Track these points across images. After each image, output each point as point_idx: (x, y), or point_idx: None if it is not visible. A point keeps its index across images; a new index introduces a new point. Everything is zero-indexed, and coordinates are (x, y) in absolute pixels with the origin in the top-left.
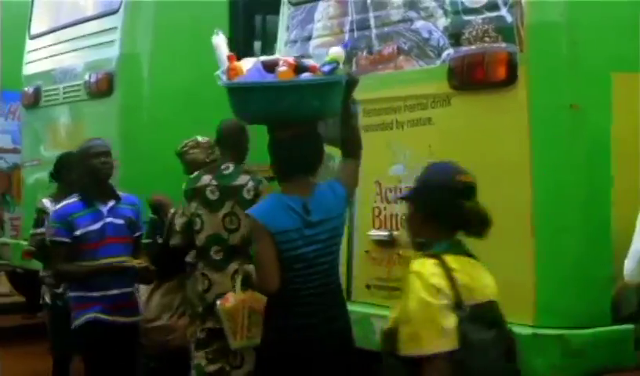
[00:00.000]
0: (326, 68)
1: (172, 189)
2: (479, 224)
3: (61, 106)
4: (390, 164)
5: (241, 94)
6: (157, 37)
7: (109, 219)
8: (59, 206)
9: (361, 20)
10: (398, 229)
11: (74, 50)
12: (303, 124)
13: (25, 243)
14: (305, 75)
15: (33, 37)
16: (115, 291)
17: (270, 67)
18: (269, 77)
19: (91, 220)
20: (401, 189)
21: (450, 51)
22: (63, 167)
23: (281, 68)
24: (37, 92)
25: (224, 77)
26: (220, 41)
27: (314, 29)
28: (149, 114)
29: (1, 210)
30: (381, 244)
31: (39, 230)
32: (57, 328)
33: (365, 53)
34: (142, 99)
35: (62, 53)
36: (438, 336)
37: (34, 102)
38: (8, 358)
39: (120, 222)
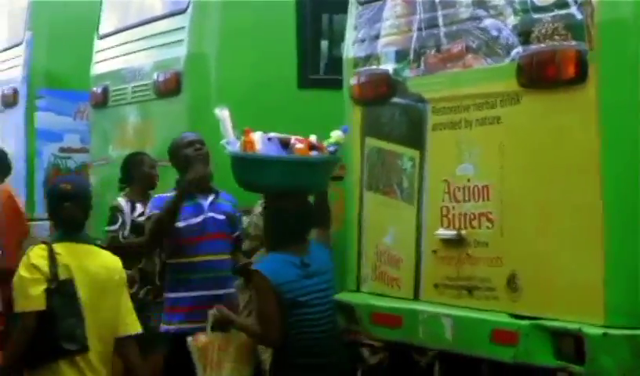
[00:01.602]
0: (331, 148)
1: (239, 190)
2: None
3: (129, 105)
4: (458, 162)
5: (259, 165)
6: (224, 37)
7: (210, 214)
8: (155, 197)
9: (430, 18)
10: (466, 228)
11: (142, 50)
12: (302, 195)
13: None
14: (315, 153)
15: (102, 37)
16: (210, 292)
17: (285, 144)
18: (284, 153)
19: (192, 213)
20: (470, 188)
21: (519, 49)
22: (131, 166)
23: (299, 145)
24: (105, 91)
25: (234, 148)
26: (225, 115)
27: (382, 28)
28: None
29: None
30: (449, 243)
31: (113, 228)
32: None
33: (433, 51)
34: (209, 99)
35: (130, 53)
36: (25, 300)
37: (102, 102)
38: None
39: (221, 217)
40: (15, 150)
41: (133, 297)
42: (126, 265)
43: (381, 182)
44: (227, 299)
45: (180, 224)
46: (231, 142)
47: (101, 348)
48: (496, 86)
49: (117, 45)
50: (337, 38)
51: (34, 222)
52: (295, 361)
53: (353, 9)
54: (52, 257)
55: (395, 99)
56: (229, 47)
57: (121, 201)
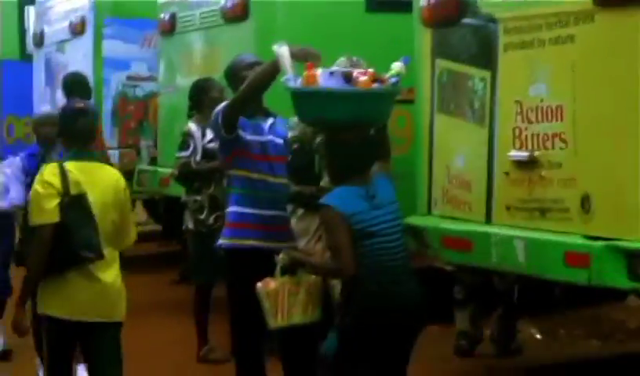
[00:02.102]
0: (393, 80)
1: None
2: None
3: (197, 32)
4: (530, 83)
5: (322, 99)
6: None
7: (270, 137)
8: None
9: None
10: (539, 149)
11: None
12: (365, 127)
13: (163, 170)
14: (377, 85)
15: None
16: (271, 212)
17: (347, 77)
18: (347, 86)
19: (253, 131)
20: (542, 108)
21: None
22: (199, 92)
23: (362, 78)
24: (173, 18)
25: (297, 83)
26: (284, 51)
27: None
28: (284, 38)
29: (138, 137)
30: (522, 164)
31: (185, 153)
32: (200, 255)
33: None
34: (276, 23)
35: None
36: (39, 213)
37: (169, 29)
38: (144, 285)
39: (279, 141)
40: None
41: (202, 223)
42: (196, 191)
43: (452, 104)
44: (287, 222)
45: (245, 134)
46: (291, 78)
47: (109, 254)
48: (569, 5)
49: None
50: None
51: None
52: (370, 289)
53: None
54: (63, 174)
55: (465, 20)
56: None
57: (192, 127)
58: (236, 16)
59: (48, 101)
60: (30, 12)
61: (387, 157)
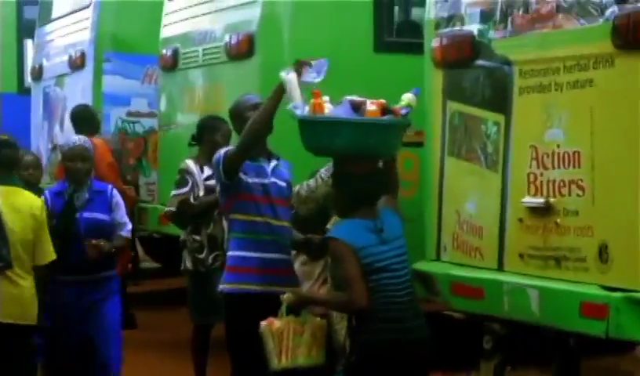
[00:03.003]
0: (404, 111)
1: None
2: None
3: (200, 68)
4: (546, 127)
5: (329, 128)
6: None
7: (272, 179)
8: (222, 151)
9: None
10: (555, 195)
11: (213, 11)
12: (375, 159)
13: (163, 208)
14: (388, 117)
15: None
16: (274, 255)
17: (356, 106)
18: (354, 116)
19: (256, 172)
20: (559, 154)
21: (614, 8)
22: (205, 130)
23: (371, 107)
24: (175, 54)
25: (304, 111)
26: (292, 78)
27: None
28: None
29: (136, 174)
30: (536, 211)
31: (182, 190)
32: (199, 295)
33: (521, 12)
34: (283, 62)
35: (201, 14)
36: None
37: (172, 64)
38: (143, 326)
39: (282, 183)
40: None
41: (201, 262)
42: (195, 230)
43: (463, 147)
44: (291, 266)
45: (247, 177)
46: (298, 106)
47: (27, 263)
48: (588, 48)
49: (187, 7)
50: (416, 2)
51: None
52: (376, 325)
53: None
54: None
55: (479, 62)
56: (304, 8)
57: (190, 164)
58: (241, 53)
59: (46, 135)
60: (29, 45)
61: (395, 191)
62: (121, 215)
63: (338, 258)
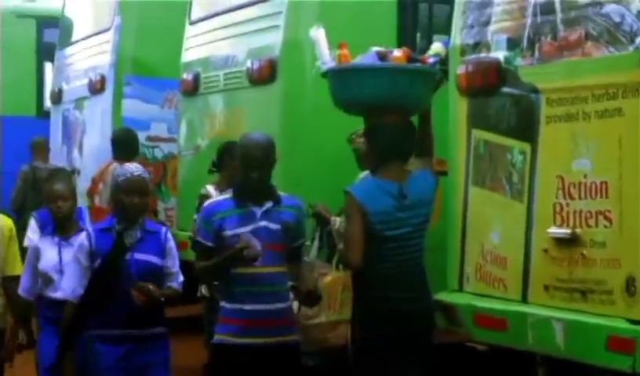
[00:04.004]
0: (431, 60)
1: (336, 183)
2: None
3: (221, 93)
4: (573, 157)
5: (354, 77)
6: (322, 23)
7: (263, 223)
8: (207, 203)
9: (545, 4)
10: (581, 226)
11: (235, 36)
12: (402, 113)
13: (181, 233)
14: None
15: (193, 23)
16: (264, 306)
17: (382, 55)
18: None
19: (240, 222)
20: (586, 184)
21: None
22: (226, 155)
23: (396, 53)
24: (196, 78)
25: (331, 63)
26: (320, 35)
27: (493, 13)
28: (313, 102)
29: (155, 200)
30: (562, 242)
31: None
32: (214, 322)
33: (548, 39)
34: (306, 87)
35: (222, 39)
36: None
37: (192, 89)
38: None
39: (276, 226)
40: (101, 137)
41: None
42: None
43: (488, 176)
44: (283, 314)
45: (227, 233)
46: (327, 62)
47: None
48: (617, 76)
49: (208, 31)
50: (439, 29)
51: None
52: (375, 293)
53: None
54: None
55: (505, 89)
56: (327, 35)
57: (210, 189)
58: (263, 78)
59: (64, 159)
60: (49, 68)
61: (429, 153)
62: (175, 263)
63: (346, 215)
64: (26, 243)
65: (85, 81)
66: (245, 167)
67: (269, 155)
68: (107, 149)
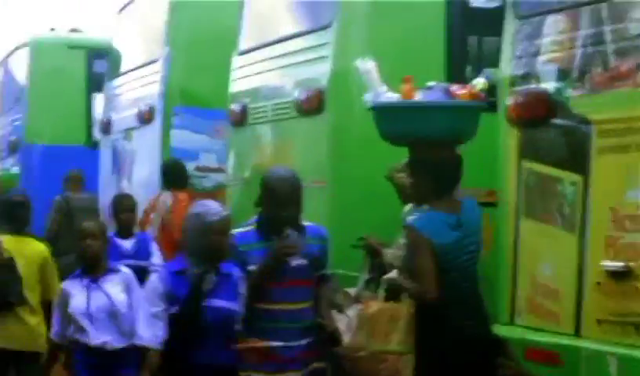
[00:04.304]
0: (483, 96)
1: (384, 214)
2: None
3: (269, 123)
4: (627, 189)
5: (422, 112)
6: (369, 54)
7: (291, 260)
8: (232, 232)
9: (596, 34)
10: (635, 259)
11: (283, 67)
12: (450, 145)
13: None
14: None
15: (241, 54)
16: (294, 342)
17: (446, 91)
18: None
19: (263, 256)
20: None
21: None
22: None
23: (461, 91)
24: (244, 109)
25: (382, 99)
26: (371, 67)
27: (543, 44)
28: (361, 133)
29: None
30: (615, 275)
31: None
32: None
33: (599, 69)
34: (354, 118)
35: (271, 70)
36: None
37: (240, 119)
38: None
39: (302, 262)
40: (150, 167)
41: None
42: None
43: (539, 208)
44: (309, 348)
45: (251, 268)
46: (379, 94)
47: (35, 302)
48: None
49: (257, 62)
50: (488, 61)
51: None
52: (450, 322)
53: (510, 24)
54: None
55: (556, 121)
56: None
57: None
58: (310, 109)
59: (114, 190)
60: (98, 99)
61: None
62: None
63: (414, 249)
64: None
65: (134, 111)
66: (274, 204)
67: (298, 191)
68: (156, 179)
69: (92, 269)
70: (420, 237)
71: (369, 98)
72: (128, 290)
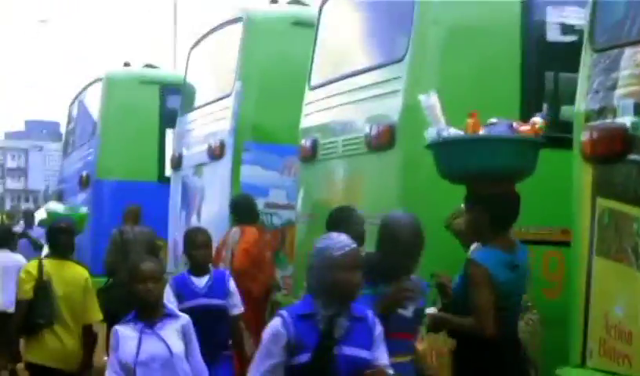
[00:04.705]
0: (541, 132)
1: (455, 251)
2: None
3: (339, 159)
4: None
5: (478, 146)
6: (442, 88)
7: (399, 311)
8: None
9: None
10: None
11: (354, 101)
12: (508, 181)
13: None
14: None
15: (313, 88)
16: None
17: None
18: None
19: (374, 303)
20: None
21: None
22: (338, 222)
23: (524, 127)
24: (314, 144)
25: (447, 133)
26: (434, 101)
27: (620, 77)
28: (432, 170)
29: (274, 268)
30: None
31: None
32: None
33: None
34: (425, 153)
35: (341, 104)
36: (21, 292)
37: (311, 155)
38: None
39: (408, 314)
40: (220, 203)
41: None
42: None
43: (613, 247)
44: None
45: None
46: (440, 130)
47: (73, 323)
48: None
49: (328, 97)
50: (562, 97)
51: None
52: (506, 359)
53: (587, 57)
54: (40, 266)
55: (632, 156)
56: (448, 100)
57: None
58: (381, 144)
59: (183, 225)
60: (170, 134)
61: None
62: (383, 353)
63: (477, 284)
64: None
65: (205, 146)
66: (393, 250)
67: (422, 240)
68: (226, 215)
69: (149, 313)
70: (483, 272)
71: (429, 134)
72: (185, 338)
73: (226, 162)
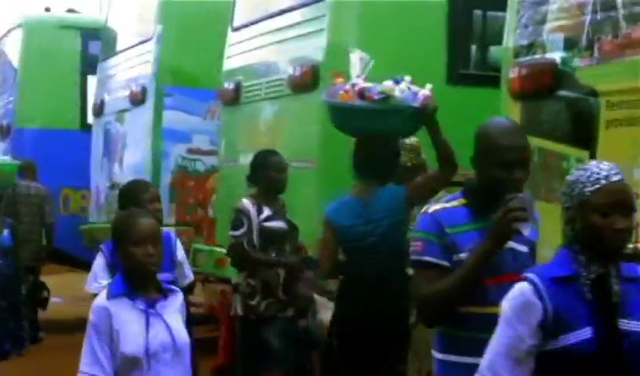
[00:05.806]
0: (376, 97)
1: None
2: None
3: (262, 102)
4: (636, 165)
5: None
6: (365, 27)
7: (509, 243)
8: (430, 210)
9: (605, 0)
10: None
11: (277, 42)
12: (378, 138)
13: (219, 249)
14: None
15: (235, 29)
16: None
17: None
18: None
19: (477, 240)
20: None
21: None
22: (258, 167)
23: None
24: (237, 87)
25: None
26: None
27: (549, 11)
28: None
29: (196, 215)
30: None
31: (236, 233)
32: (247, 343)
33: (609, 37)
34: None
35: (265, 46)
36: None
37: (234, 98)
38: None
39: (523, 249)
40: (141, 149)
41: (252, 309)
42: (251, 274)
43: (542, 186)
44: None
45: (462, 256)
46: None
47: None
48: None
49: (251, 38)
50: (490, 33)
51: None
52: (345, 301)
53: None
54: None
55: (562, 92)
56: (371, 37)
57: (247, 204)
58: (305, 85)
59: (105, 173)
60: (92, 81)
61: (449, 163)
62: None
63: (323, 228)
64: (91, 287)
65: (127, 92)
66: (495, 164)
67: (527, 147)
68: (148, 162)
69: (148, 287)
70: (324, 219)
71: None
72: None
73: (147, 108)
